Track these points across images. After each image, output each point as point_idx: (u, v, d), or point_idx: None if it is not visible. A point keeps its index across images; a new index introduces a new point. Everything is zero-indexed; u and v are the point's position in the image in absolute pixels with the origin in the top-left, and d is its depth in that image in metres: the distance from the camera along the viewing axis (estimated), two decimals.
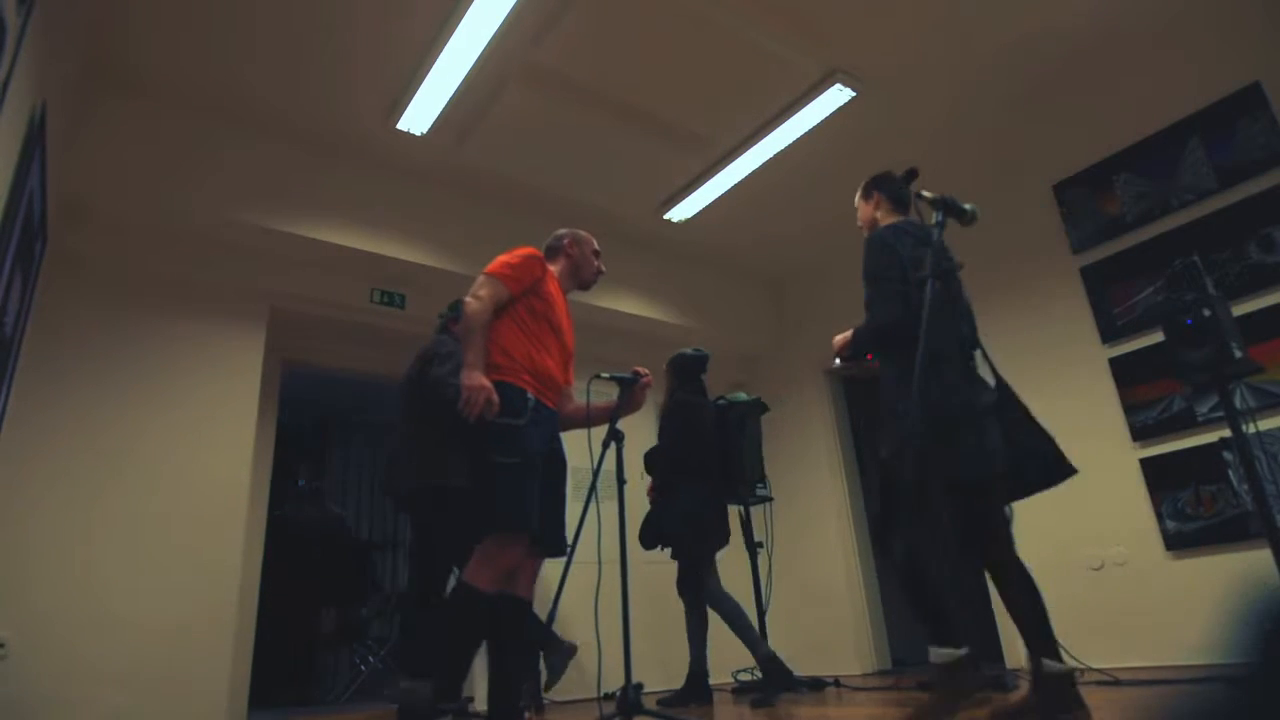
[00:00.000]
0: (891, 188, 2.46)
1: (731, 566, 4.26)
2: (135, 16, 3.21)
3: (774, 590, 4.29)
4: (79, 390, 3.36)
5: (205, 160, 3.70)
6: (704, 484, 3.57)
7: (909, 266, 2.11)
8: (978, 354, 2.30)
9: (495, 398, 2.10)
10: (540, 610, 2.98)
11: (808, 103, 3.88)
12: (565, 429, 2.46)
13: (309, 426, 6.86)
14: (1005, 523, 2.10)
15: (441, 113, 3.80)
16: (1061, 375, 3.92)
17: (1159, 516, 3.44)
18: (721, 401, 3.86)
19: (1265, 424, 3.12)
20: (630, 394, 2.49)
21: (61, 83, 2.91)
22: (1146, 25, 3.63)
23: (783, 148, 4.22)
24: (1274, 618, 0.59)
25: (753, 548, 3.98)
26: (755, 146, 4.20)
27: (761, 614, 3.91)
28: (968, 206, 1.85)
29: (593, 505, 2.47)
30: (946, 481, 1.93)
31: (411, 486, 2.80)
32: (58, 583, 3.09)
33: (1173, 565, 3.39)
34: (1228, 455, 3.25)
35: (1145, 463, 3.52)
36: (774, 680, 3.29)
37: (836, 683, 4.03)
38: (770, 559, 4.15)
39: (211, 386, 3.69)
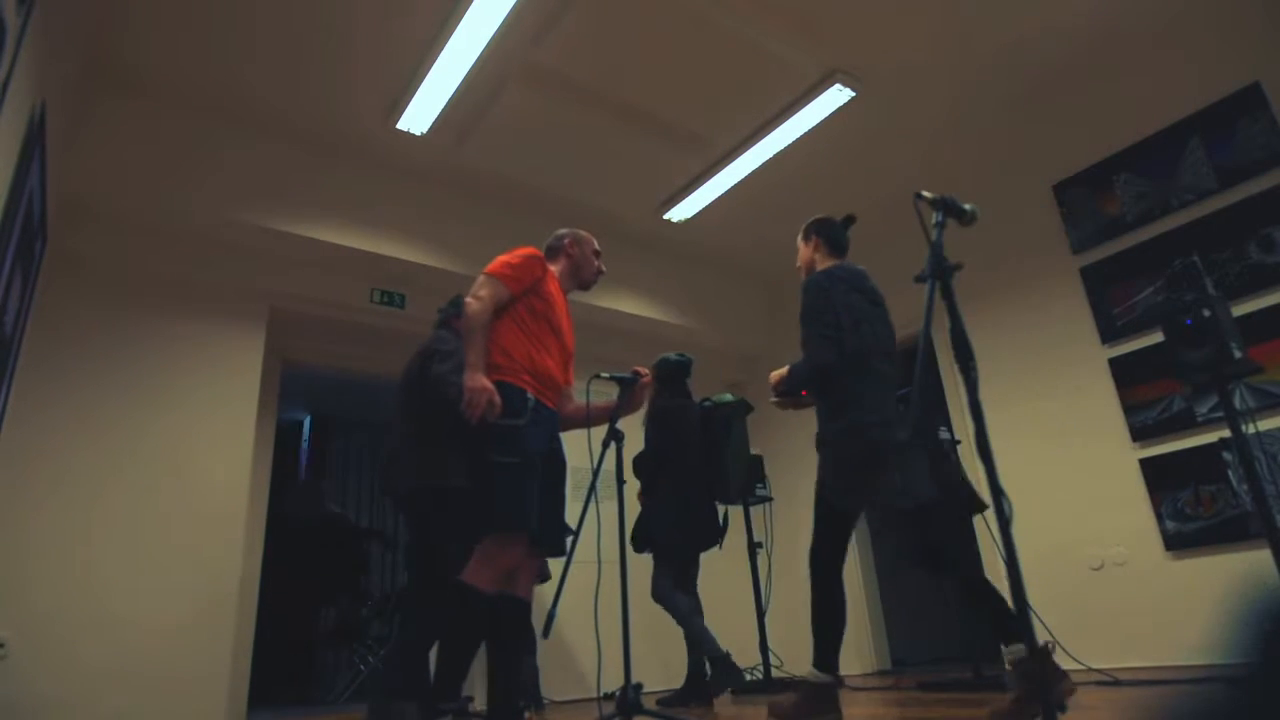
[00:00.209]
0: (830, 231, 2.65)
1: (731, 566, 4.27)
2: (135, 16, 3.21)
3: (774, 590, 4.29)
4: (79, 390, 3.36)
5: (205, 160, 3.70)
6: (686, 485, 3.58)
7: (841, 311, 2.34)
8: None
9: (497, 399, 2.10)
10: (539, 610, 2.98)
11: (807, 103, 3.88)
12: (565, 429, 2.46)
13: (309, 426, 6.87)
14: (956, 542, 2.31)
15: (441, 113, 3.80)
16: (1061, 375, 3.92)
17: (1159, 517, 3.44)
18: (707, 403, 3.88)
19: (1265, 424, 3.13)
20: (630, 394, 2.49)
21: (61, 83, 2.91)
22: (1146, 25, 3.63)
23: (782, 148, 4.22)
24: (1274, 618, 0.59)
25: (752, 548, 3.98)
26: (755, 147, 4.20)
27: (761, 614, 3.91)
28: (967, 207, 1.85)
29: (592, 505, 2.47)
30: (884, 509, 2.18)
31: (411, 485, 2.78)
32: (57, 583, 3.09)
33: (1172, 565, 3.39)
34: (1227, 455, 3.25)
35: (1145, 463, 3.53)
36: (722, 679, 3.27)
37: (842, 684, 4.03)
38: (770, 559, 4.15)
39: (211, 386, 3.69)
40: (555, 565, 2.70)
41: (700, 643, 3.35)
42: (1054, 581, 3.68)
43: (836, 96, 3.85)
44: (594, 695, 4.04)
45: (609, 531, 3.09)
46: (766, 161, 4.32)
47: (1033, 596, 1.81)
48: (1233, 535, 3.20)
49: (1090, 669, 3.14)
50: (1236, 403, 2.63)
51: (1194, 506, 3.34)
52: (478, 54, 3.43)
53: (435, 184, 4.40)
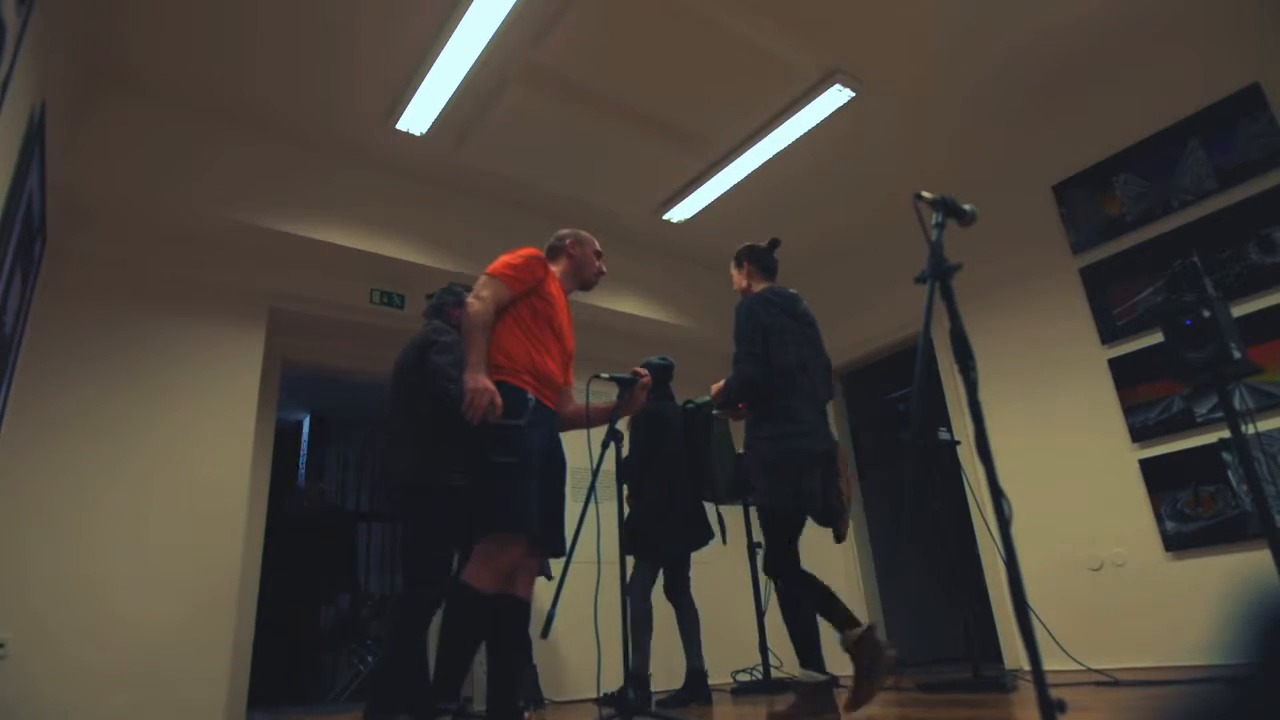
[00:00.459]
0: (758, 257, 2.86)
1: (731, 566, 4.27)
2: (135, 17, 3.20)
3: (773, 590, 4.29)
4: (78, 390, 3.36)
5: (205, 160, 3.70)
6: (671, 487, 3.59)
7: (770, 332, 2.58)
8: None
9: (499, 400, 2.10)
10: (539, 611, 2.98)
11: (807, 103, 3.88)
12: (565, 429, 2.46)
13: (308, 426, 6.87)
14: (796, 552, 2.56)
15: (441, 113, 3.80)
16: (1061, 376, 3.92)
17: (1158, 517, 3.44)
18: (690, 405, 3.89)
19: (1264, 425, 3.13)
20: (630, 394, 2.50)
21: (61, 83, 2.91)
22: (1146, 26, 3.62)
23: (782, 148, 4.22)
24: (1273, 618, 0.59)
25: (752, 548, 3.98)
26: (755, 147, 4.20)
27: (761, 614, 3.91)
28: (967, 207, 1.85)
29: (592, 505, 2.46)
30: (775, 511, 2.48)
31: (411, 473, 2.70)
32: (57, 583, 3.08)
33: (1172, 566, 3.39)
34: (1227, 456, 3.25)
35: (1145, 463, 3.53)
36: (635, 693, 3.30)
37: (836, 683, 4.03)
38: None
39: (211, 386, 3.69)
40: (554, 566, 2.70)
41: (635, 650, 3.39)
42: (1053, 582, 3.68)
43: (836, 96, 3.85)
44: (593, 695, 4.03)
45: (608, 532, 3.09)
46: (766, 162, 4.32)
47: (1032, 597, 1.81)
48: (1232, 535, 3.20)
49: (1090, 669, 3.14)
50: (1236, 403, 2.62)
51: (1193, 507, 3.34)
52: (477, 54, 3.43)
53: (435, 184, 4.40)
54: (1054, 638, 3.17)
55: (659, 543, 3.54)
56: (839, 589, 5.03)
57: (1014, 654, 3.90)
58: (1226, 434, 2.74)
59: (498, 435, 2.11)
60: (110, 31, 3.25)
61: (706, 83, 3.77)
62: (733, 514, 3.97)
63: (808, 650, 2.47)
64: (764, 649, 3.95)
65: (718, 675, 3.93)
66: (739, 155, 4.28)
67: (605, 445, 2.42)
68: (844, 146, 4.27)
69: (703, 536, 3.64)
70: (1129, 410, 3.61)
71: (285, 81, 3.63)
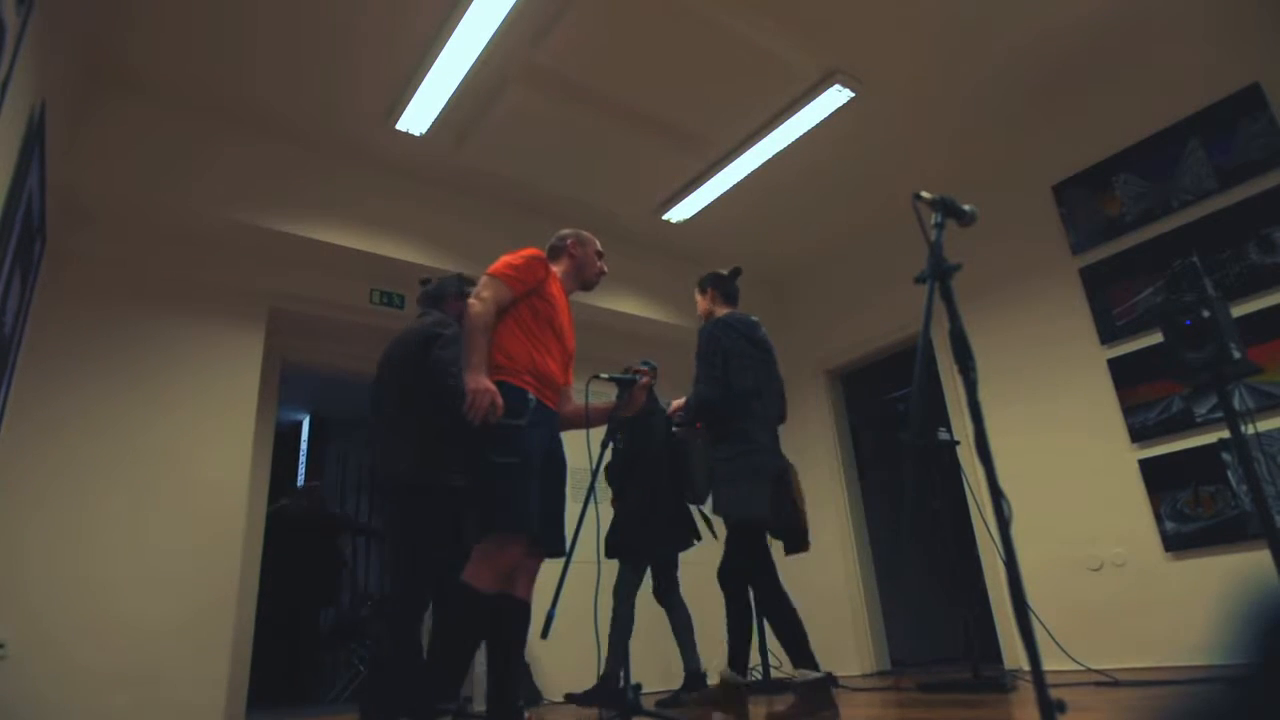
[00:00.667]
0: (721, 284, 3.03)
1: None
2: (135, 17, 3.20)
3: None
4: (78, 390, 3.35)
5: (205, 160, 3.70)
6: (654, 489, 3.59)
7: (730, 356, 2.74)
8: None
9: (500, 401, 2.10)
10: (538, 611, 2.97)
11: (807, 103, 3.88)
12: (564, 429, 2.46)
13: (308, 426, 6.86)
14: (770, 560, 2.70)
15: (441, 113, 3.80)
16: (1060, 376, 3.93)
17: (1158, 517, 3.45)
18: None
19: (1264, 425, 3.13)
20: (629, 395, 2.50)
21: (61, 83, 2.91)
22: (1146, 26, 3.62)
23: (782, 148, 4.21)
24: (1273, 618, 0.59)
25: None
26: (754, 147, 4.20)
27: (761, 614, 3.91)
28: (967, 207, 1.85)
29: (591, 505, 2.46)
30: (737, 522, 2.63)
31: (411, 472, 2.61)
32: (57, 583, 3.08)
33: (1172, 566, 3.39)
34: (1226, 456, 3.25)
35: (1144, 463, 3.53)
36: (605, 694, 3.34)
37: (835, 683, 4.03)
38: None
39: (211, 386, 3.69)
40: (554, 566, 2.69)
41: (612, 654, 3.42)
42: (1053, 582, 3.68)
43: (836, 97, 3.85)
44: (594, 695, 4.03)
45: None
46: (766, 162, 4.32)
47: (1032, 597, 1.81)
48: (1232, 536, 3.20)
49: (1090, 669, 3.15)
50: (1236, 403, 2.62)
51: (1193, 507, 3.34)
52: (477, 54, 3.43)
53: (435, 184, 4.40)
54: (1054, 638, 3.18)
55: (641, 546, 3.54)
56: (839, 587, 5.07)
57: (1014, 654, 3.90)
58: (1226, 434, 2.75)
59: (498, 435, 2.11)
60: (110, 31, 3.25)
61: (706, 83, 3.77)
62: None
63: (799, 649, 2.56)
64: (764, 649, 3.95)
65: (716, 676, 3.92)
66: (739, 155, 4.28)
67: (605, 445, 2.42)
68: (844, 147, 4.27)
69: (686, 538, 3.63)
70: (1129, 410, 3.61)
71: (285, 81, 3.63)
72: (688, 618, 3.59)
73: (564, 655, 4.22)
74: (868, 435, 5.49)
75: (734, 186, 4.54)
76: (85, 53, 3.26)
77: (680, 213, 4.80)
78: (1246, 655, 0.58)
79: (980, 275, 4.16)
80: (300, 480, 6.93)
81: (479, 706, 3.62)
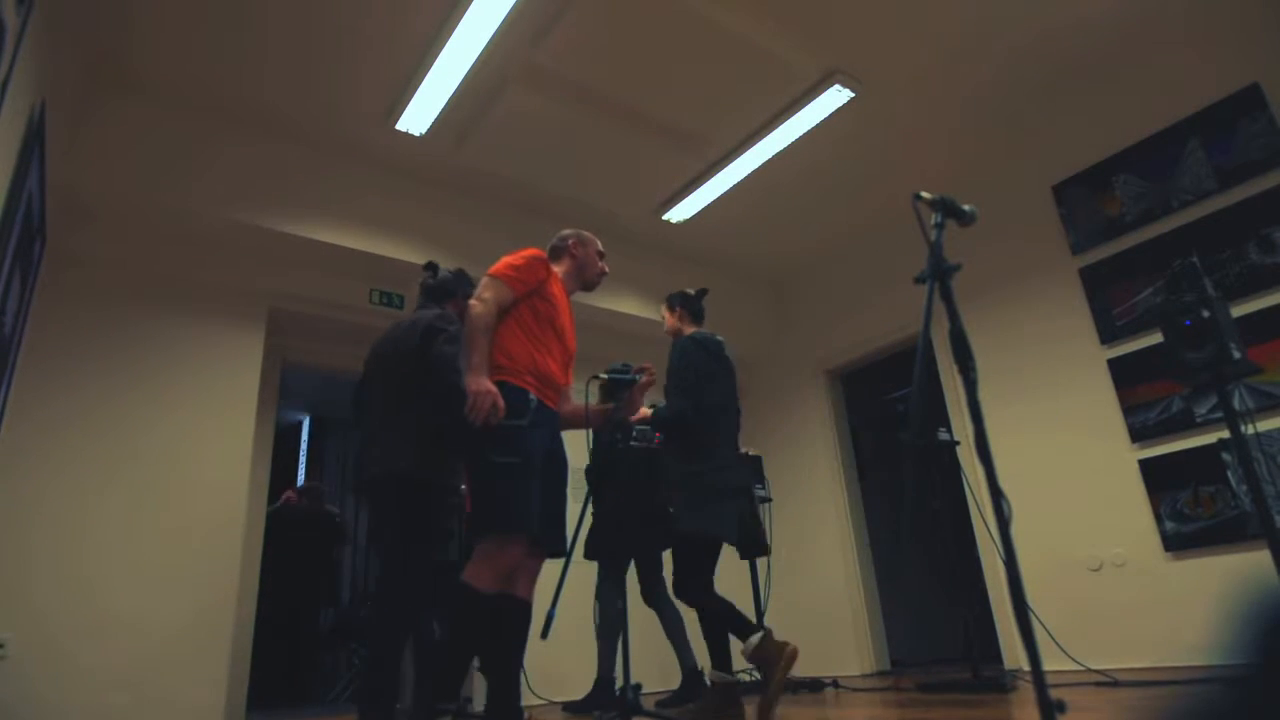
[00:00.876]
0: (688, 304, 3.11)
1: (730, 567, 4.26)
2: (135, 16, 3.20)
3: (773, 591, 4.29)
4: (78, 390, 3.35)
5: (205, 160, 3.70)
6: (626, 492, 3.58)
7: (700, 374, 2.82)
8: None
9: (501, 402, 2.09)
10: (538, 611, 2.96)
11: (807, 103, 3.88)
12: (564, 429, 2.46)
13: (308, 426, 6.86)
14: (711, 572, 2.74)
15: (441, 113, 3.80)
16: (1060, 376, 3.93)
17: (1158, 517, 3.45)
18: (651, 408, 3.88)
19: (1264, 425, 3.13)
20: (629, 395, 2.50)
21: (61, 83, 2.91)
22: (1146, 26, 3.62)
23: (782, 148, 4.21)
24: (1273, 618, 0.59)
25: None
26: (754, 147, 4.20)
27: (760, 614, 3.91)
28: (967, 207, 1.85)
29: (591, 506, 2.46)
30: (694, 536, 2.68)
31: (410, 471, 2.51)
32: (57, 583, 3.08)
33: (1171, 566, 3.39)
34: (1226, 456, 3.25)
35: (1144, 464, 3.53)
36: (602, 698, 3.39)
37: (835, 684, 4.04)
38: (769, 560, 4.15)
39: (211, 386, 3.69)
40: (554, 566, 2.69)
41: (600, 657, 3.45)
42: (1053, 582, 3.68)
43: (836, 97, 3.85)
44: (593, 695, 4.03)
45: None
46: (766, 162, 4.32)
47: (1032, 597, 1.81)
48: (1232, 536, 3.20)
49: (1089, 669, 3.15)
50: (1235, 403, 2.63)
51: (1193, 507, 3.34)
52: (477, 54, 3.43)
53: (435, 184, 4.40)
54: (1054, 638, 3.18)
55: (617, 548, 3.54)
56: (838, 588, 5.07)
57: (1014, 654, 3.90)
58: (1226, 434, 2.75)
59: (499, 435, 2.11)
60: (110, 31, 3.25)
61: (707, 83, 3.77)
62: None
63: (722, 654, 2.70)
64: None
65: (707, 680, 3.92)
66: (739, 155, 4.28)
67: (605, 446, 2.42)
68: (844, 147, 4.27)
69: (664, 539, 3.62)
70: (1129, 410, 3.61)
71: (285, 81, 3.63)
72: (678, 617, 3.57)
73: (565, 655, 4.23)
74: (868, 435, 5.49)
75: (734, 186, 4.54)
76: (85, 53, 3.25)
77: (680, 213, 4.80)
78: (1246, 655, 0.58)
79: (980, 275, 4.16)
80: (300, 480, 6.93)
81: (479, 706, 3.62)
